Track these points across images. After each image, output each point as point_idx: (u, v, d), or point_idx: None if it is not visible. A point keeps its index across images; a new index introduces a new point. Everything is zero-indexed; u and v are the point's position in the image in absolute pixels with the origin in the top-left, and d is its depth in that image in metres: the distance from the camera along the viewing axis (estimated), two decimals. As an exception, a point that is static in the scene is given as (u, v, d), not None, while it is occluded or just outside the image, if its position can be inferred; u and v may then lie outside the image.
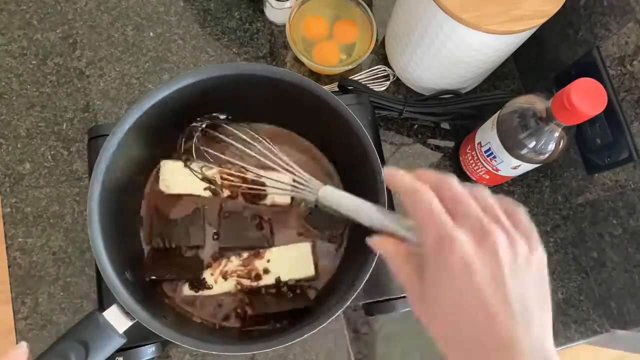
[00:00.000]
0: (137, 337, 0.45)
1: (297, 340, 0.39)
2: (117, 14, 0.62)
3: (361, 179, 0.46)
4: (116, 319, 0.39)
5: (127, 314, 0.39)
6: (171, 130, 0.48)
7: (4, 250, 0.53)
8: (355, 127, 0.44)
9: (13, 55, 0.59)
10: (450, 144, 0.62)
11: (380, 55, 0.64)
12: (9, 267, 0.53)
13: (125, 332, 0.40)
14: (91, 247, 0.40)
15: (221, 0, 0.64)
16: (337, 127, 0.45)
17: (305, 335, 0.39)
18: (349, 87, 0.58)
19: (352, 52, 0.61)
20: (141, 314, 0.39)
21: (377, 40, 0.59)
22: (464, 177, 0.60)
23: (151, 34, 0.62)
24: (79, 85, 0.59)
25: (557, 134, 0.45)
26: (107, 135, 0.42)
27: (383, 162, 0.44)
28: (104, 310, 0.40)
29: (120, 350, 0.45)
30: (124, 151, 0.43)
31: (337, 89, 0.60)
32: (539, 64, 0.62)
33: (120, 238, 0.44)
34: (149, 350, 0.46)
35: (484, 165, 0.54)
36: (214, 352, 0.40)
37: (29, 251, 0.54)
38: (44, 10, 0.61)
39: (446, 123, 0.62)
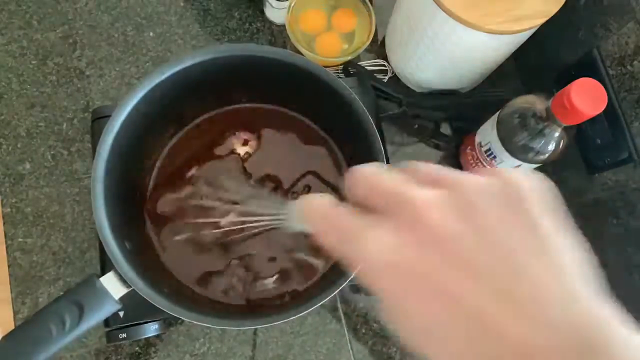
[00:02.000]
0: (140, 313, 0.45)
1: (301, 314, 0.40)
2: (117, 14, 0.62)
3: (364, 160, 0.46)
4: (112, 285, 0.39)
5: (124, 281, 0.39)
6: (177, 110, 0.49)
7: (4, 250, 0.53)
8: (358, 108, 0.44)
9: (13, 55, 0.59)
10: (450, 144, 0.62)
11: (380, 55, 0.64)
12: (9, 267, 0.53)
13: (121, 299, 0.40)
14: (93, 212, 0.40)
15: (221, 0, 0.64)
16: (341, 110, 0.46)
17: (311, 309, 0.40)
18: (352, 71, 0.59)
19: (353, 41, 0.61)
20: (137, 281, 0.39)
21: (376, 37, 0.59)
22: (464, 177, 0.60)
23: (151, 34, 0.62)
24: (79, 85, 0.59)
25: (557, 134, 0.45)
26: (111, 116, 0.42)
27: (384, 144, 0.45)
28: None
29: (124, 327, 0.45)
30: (132, 121, 0.43)
31: (340, 71, 0.61)
32: (539, 64, 0.62)
33: (122, 209, 0.44)
34: (152, 327, 0.47)
35: (484, 166, 0.54)
36: (208, 325, 0.40)
37: (29, 251, 0.54)
38: (44, 10, 0.61)
39: (446, 123, 0.62)
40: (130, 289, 0.40)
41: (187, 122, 0.53)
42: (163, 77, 0.43)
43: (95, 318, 0.38)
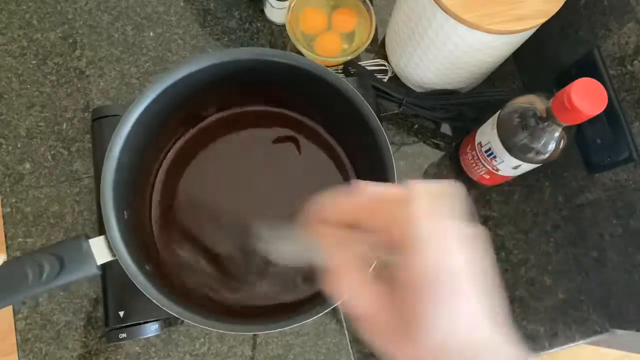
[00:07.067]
0: (140, 313, 0.46)
1: (299, 324, 0.40)
2: (117, 13, 0.62)
3: (370, 162, 0.47)
4: (99, 250, 0.39)
5: (110, 248, 0.39)
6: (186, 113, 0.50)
7: (4, 250, 0.53)
8: (362, 107, 0.45)
9: (13, 55, 0.59)
10: (450, 144, 0.62)
11: (380, 55, 0.64)
12: (9, 267, 0.53)
13: (102, 266, 0.40)
14: (101, 174, 0.40)
15: (221, 0, 0.64)
16: (346, 110, 0.46)
17: (309, 320, 0.40)
18: (352, 71, 0.59)
19: (353, 41, 0.61)
20: (122, 252, 0.39)
21: (376, 37, 0.59)
22: (464, 177, 0.60)
23: (151, 34, 0.62)
24: (79, 85, 0.59)
25: (557, 134, 0.45)
26: (111, 116, 0.43)
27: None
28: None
29: (124, 327, 0.46)
30: (151, 108, 0.43)
31: (341, 71, 0.61)
32: (539, 64, 0.62)
33: (131, 179, 0.45)
34: (152, 327, 0.47)
35: (484, 165, 0.54)
36: (190, 322, 0.39)
37: (29, 251, 0.54)
38: (44, 10, 0.61)
39: (446, 123, 0.62)
40: (114, 258, 0.39)
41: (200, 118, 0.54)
42: (187, 71, 0.44)
43: (73, 276, 0.38)
